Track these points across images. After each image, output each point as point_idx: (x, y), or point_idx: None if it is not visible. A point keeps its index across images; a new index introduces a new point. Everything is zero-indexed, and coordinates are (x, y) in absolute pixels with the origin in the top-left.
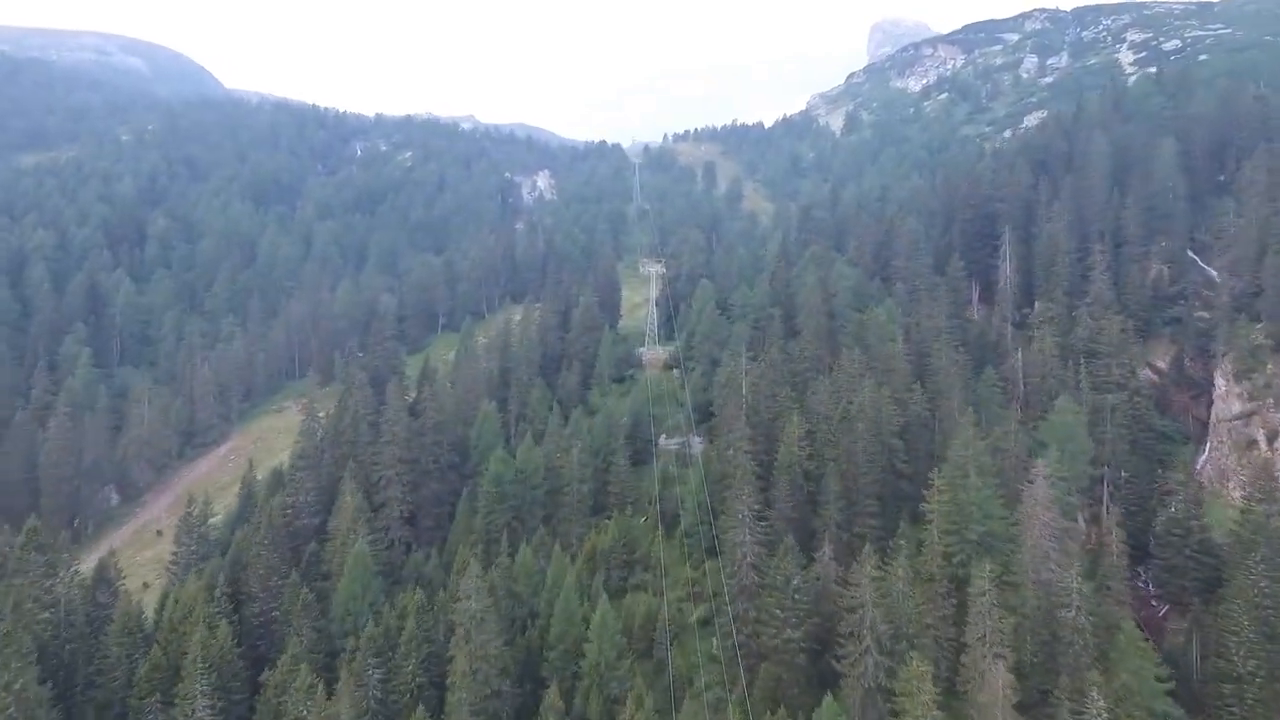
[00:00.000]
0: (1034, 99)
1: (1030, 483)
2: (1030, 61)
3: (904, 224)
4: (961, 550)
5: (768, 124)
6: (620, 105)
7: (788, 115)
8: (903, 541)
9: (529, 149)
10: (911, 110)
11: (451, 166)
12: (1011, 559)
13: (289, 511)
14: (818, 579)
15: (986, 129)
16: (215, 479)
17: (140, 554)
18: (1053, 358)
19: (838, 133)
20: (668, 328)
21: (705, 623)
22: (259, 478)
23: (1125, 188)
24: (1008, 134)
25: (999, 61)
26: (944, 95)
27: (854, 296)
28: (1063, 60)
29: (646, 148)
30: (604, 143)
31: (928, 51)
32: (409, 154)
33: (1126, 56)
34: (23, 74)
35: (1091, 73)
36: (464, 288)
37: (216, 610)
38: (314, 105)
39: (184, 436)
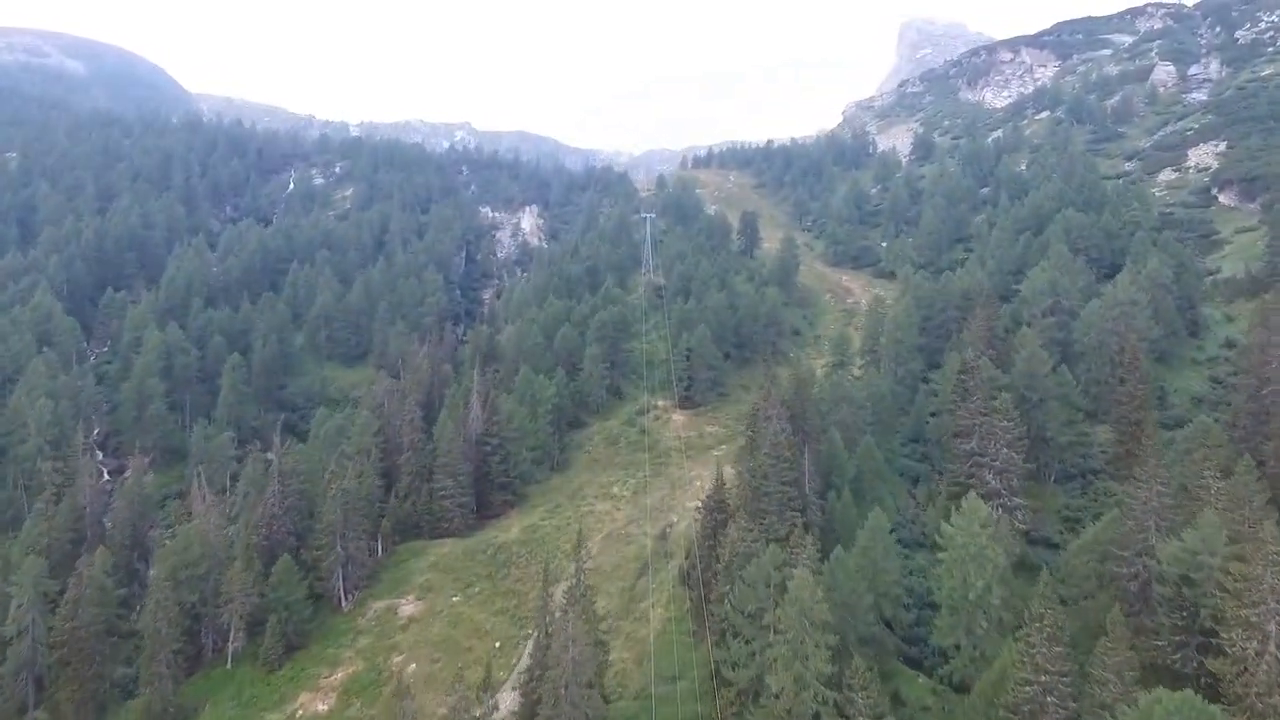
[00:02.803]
0: (1191, 124)
1: None
2: (1164, 71)
3: None
4: None
5: (796, 134)
6: (616, 110)
7: (829, 131)
8: None
9: (515, 176)
10: (1003, 132)
11: (404, 211)
12: None
13: None
14: None
15: (1128, 165)
16: None
17: None
18: None
19: (904, 159)
20: None
21: None
22: None
23: None
24: (1168, 174)
25: (1114, 71)
26: (1045, 114)
27: None
28: (1211, 69)
29: (661, 179)
30: (609, 169)
31: (1005, 57)
32: (350, 190)
33: None
34: None
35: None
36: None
37: None
38: (239, 122)
39: None
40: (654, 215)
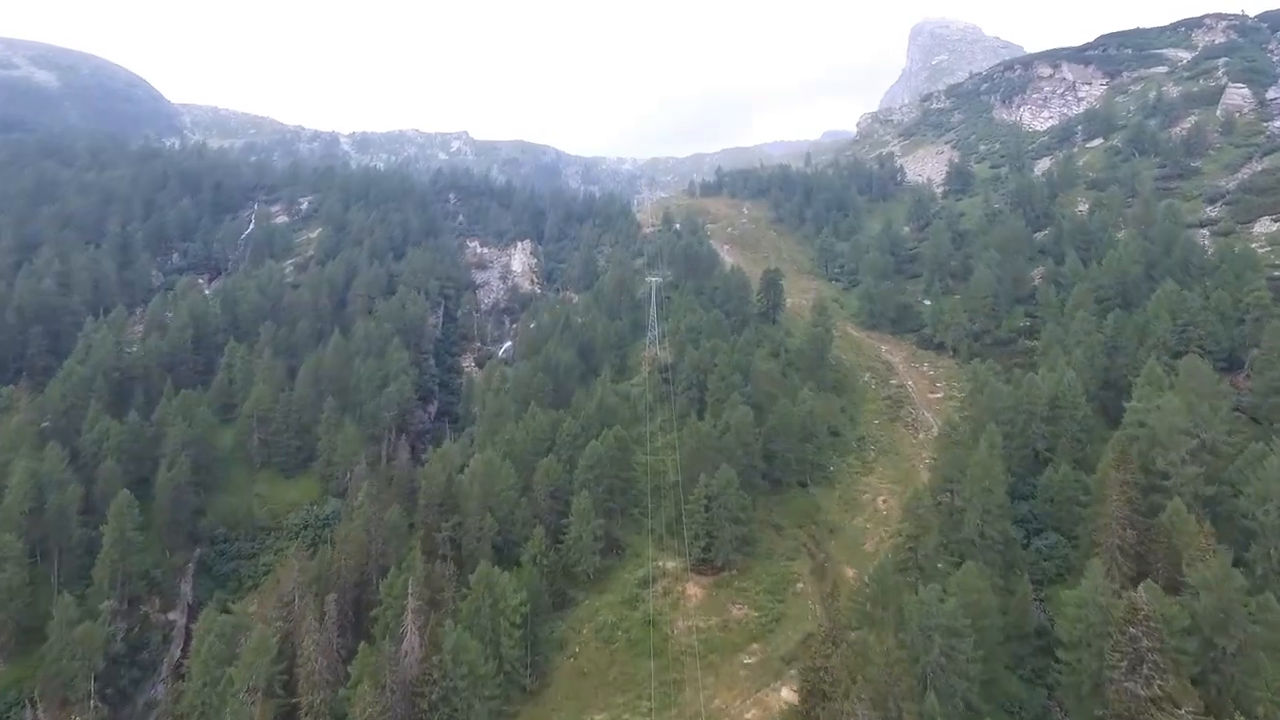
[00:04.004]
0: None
1: None
2: (1237, 94)
3: None
4: None
5: (800, 137)
6: (616, 115)
7: (850, 153)
8: None
9: (507, 205)
10: (1052, 162)
11: (373, 260)
12: None
13: None
14: None
15: (1211, 210)
16: None
17: None
18: None
19: (938, 189)
20: None
21: None
22: None
23: None
24: (1266, 223)
25: (1175, 92)
26: (1098, 140)
27: None
28: None
29: (667, 216)
30: (610, 198)
31: (1044, 72)
32: (317, 231)
33: None
34: None
35: None
36: None
37: None
38: (203, 145)
39: None
40: (660, 279)
